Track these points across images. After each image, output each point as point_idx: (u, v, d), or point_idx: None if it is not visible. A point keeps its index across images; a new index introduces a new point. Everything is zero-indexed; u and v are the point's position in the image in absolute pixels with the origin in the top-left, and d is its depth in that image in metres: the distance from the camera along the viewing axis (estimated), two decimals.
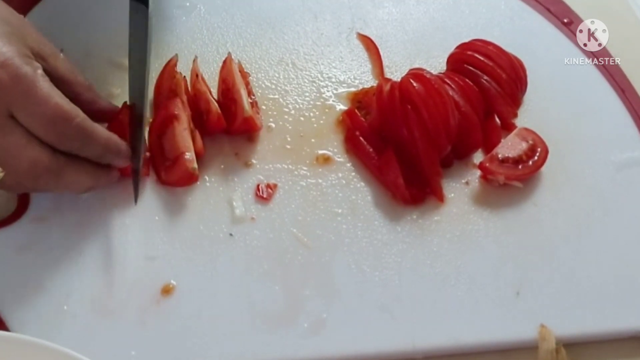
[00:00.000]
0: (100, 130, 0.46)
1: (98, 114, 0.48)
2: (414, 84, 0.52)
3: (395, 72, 0.60)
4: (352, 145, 0.54)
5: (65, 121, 0.43)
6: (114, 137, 0.47)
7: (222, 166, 0.53)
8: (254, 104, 0.55)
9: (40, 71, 0.43)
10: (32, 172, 0.43)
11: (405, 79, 0.52)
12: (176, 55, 0.56)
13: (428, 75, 0.53)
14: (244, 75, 0.56)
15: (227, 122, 0.53)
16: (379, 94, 0.54)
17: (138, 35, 0.51)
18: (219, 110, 0.53)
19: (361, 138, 0.54)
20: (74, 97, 0.46)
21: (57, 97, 0.43)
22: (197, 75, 0.55)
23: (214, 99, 0.54)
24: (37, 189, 0.46)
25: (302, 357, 0.45)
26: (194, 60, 0.56)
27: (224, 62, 0.56)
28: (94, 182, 0.47)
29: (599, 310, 0.49)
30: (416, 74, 0.53)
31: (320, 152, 0.54)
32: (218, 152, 0.53)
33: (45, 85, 0.42)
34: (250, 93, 0.56)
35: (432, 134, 0.52)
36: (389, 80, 0.54)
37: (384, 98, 0.53)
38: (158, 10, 0.61)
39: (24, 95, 0.42)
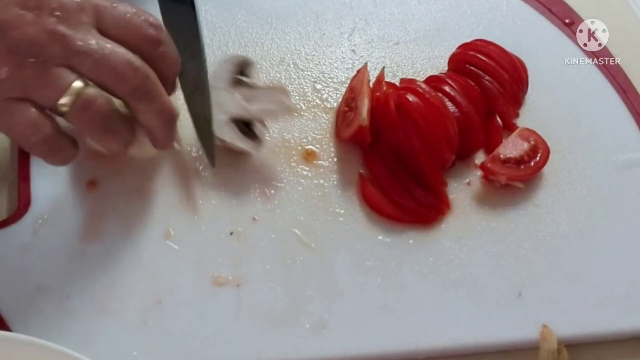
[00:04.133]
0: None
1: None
2: (410, 99, 0.52)
3: (397, 73, 0.59)
4: (367, 198, 0.52)
5: (145, 20, 0.43)
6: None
7: (225, 166, 0.53)
8: None
9: None
10: (129, 74, 0.42)
11: (401, 96, 0.52)
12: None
13: (420, 90, 0.52)
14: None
15: (340, 129, 0.54)
16: (377, 112, 0.53)
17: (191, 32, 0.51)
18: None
19: (375, 190, 0.52)
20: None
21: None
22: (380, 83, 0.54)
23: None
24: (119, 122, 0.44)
25: (303, 357, 0.45)
26: (382, 70, 0.55)
27: (358, 71, 0.56)
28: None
29: (601, 310, 0.49)
30: (410, 89, 0.53)
31: (322, 152, 0.54)
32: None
33: None
34: None
35: (433, 147, 0.52)
36: (379, 97, 0.53)
37: (381, 114, 0.52)
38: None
39: (106, 3, 0.43)
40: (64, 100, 0.41)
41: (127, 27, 0.43)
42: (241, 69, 0.53)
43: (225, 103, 0.50)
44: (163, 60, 0.45)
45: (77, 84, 0.41)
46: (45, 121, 0.41)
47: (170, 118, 0.46)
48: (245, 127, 0.51)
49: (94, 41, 0.41)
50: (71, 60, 0.41)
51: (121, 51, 0.42)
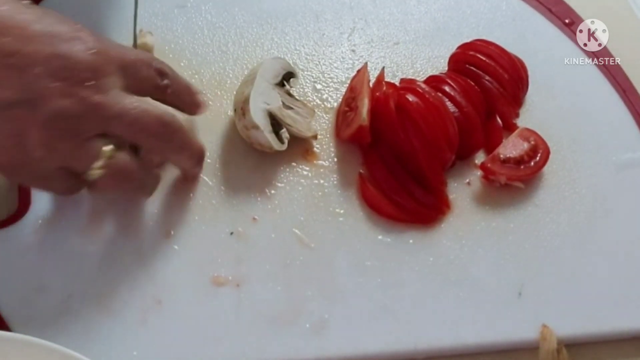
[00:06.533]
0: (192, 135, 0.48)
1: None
2: (410, 99, 0.52)
3: (397, 73, 0.60)
4: (367, 198, 0.52)
5: (151, 67, 0.44)
6: (201, 143, 0.49)
7: (225, 167, 0.53)
8: None
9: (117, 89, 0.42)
10: (161, 131, 0.43)
11: (401, 96, 0.52)
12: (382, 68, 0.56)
13: (420, 90, 0.52)
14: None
15: (340, 129, 0.54)
16: (377, 111, 0.53)
17: None
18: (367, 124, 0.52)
19: (375, 190, 0.52)
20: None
21: (144, 104, 0.43)
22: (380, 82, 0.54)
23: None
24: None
25: (303, 357, 0.45)
26: (382, 70, 0.55)
27: (359, 71, 0.57)
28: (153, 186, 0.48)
29: (601, 310, 0.49)
30: (410, 88, 0.53)
31: (322, 152, 0.54)
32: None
33: (128, 99, 0.42)
34: None
35: (433, 147, 0.52)
36: (379, 97, 0.53)
37: (381, 114, 0.52)
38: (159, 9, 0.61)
39: (123, 56, 0.43)
40: (96, 165, 0.42)
41: (141, 80, 0.43)
42: (286, 76, 0.54)
43: (267, 95, 0.52)
44: (178, 99, 0.47)
45: (107, 148, 0.42)
46: (80, 184, 0.44)
47: (200, 158, 0.49)
48: (273, 126, 0.52)
49: (124, 105, 0.41)
50: (105, 128, 0.41)
51: (151, 109, 0.43)
